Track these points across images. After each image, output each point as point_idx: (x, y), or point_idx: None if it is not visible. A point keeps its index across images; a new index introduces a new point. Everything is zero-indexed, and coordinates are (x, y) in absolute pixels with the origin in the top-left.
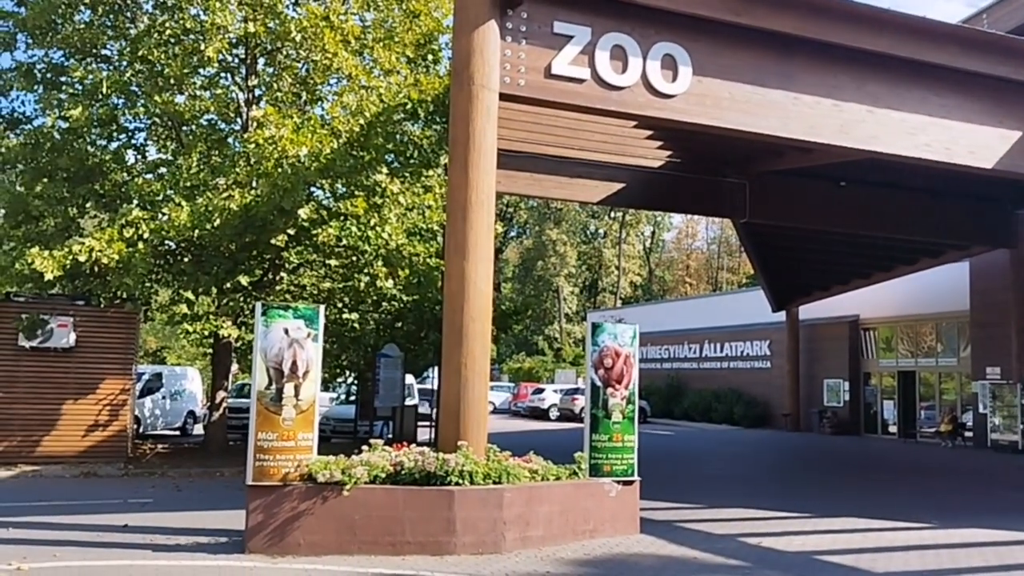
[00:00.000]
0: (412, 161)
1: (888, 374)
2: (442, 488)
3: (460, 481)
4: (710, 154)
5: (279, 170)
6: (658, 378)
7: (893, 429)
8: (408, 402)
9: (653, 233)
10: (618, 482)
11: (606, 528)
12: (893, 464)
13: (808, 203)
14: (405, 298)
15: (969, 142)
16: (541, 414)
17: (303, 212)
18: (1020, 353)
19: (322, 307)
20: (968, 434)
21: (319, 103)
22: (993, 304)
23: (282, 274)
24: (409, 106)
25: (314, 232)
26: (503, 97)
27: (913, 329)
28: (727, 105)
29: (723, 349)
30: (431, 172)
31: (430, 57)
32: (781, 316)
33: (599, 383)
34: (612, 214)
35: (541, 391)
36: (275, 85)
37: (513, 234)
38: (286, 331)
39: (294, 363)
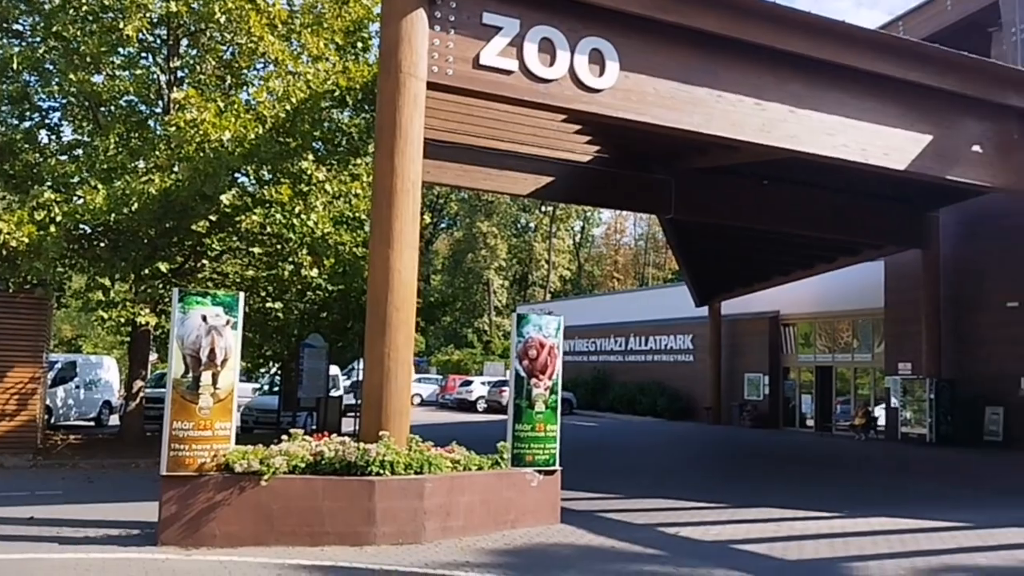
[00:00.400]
0: (340, 149)
1: (806, 369)
2: (363, 478)
3: (381, 471)
4: (638, 150)
5: (201, 154)
6: (585, 371)
7: (810, 422)
8: (333, 393)
9: (583, 228)
10: (540, 472)
11: (527, 518)
12: (808, 456)
13: (732, 201)
14: (331, 288)
15: (883, 144)
16: (469, 406)
17: (225, 198)
18: (930, 350)
19: (242, 294)
20: (880, 427)
21: (244, 87)
22: (906, 302)
23: (204, 261)
24: (337, 93)
25: (237, 219)
26: (431, 86)
27: (831, 325)
28: (652, 101)
29: (648, 343)
30: (359, 160)
31: (359, 44)
32: (704, 311)
33: (523, 373)
34: (543, 208)
35: (469, 383)
36: (198, 67)
37: (443, 226)
38: (204, 318)
39: (212, 351)
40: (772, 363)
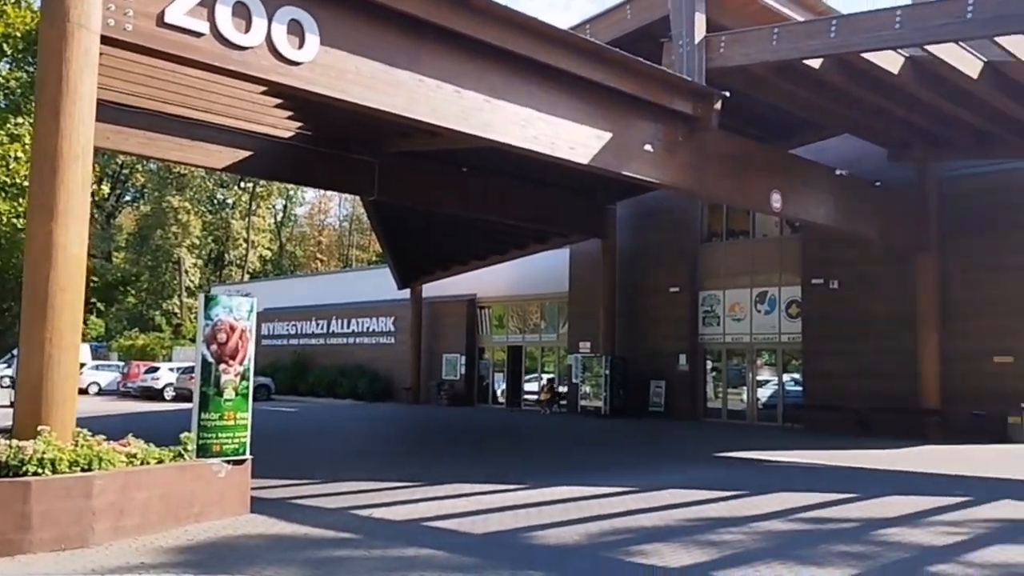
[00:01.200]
0: None
1: (500, 348)
2: (15, 479)
3: (40, 470)
4: (341, 129)
5: None
6: (285, 355)
7: (502, 399)
8: None
9: (285, 207)
10: (229, 462)
11: (214, 510)
12: (499, 431)
13: (433, 186)
14: None
15: (570, 138)
16: (155, 394)
17: None
18: (606, 330)
19: None
20: (563, 402)
21: None
22: (587, 287)
23: None
24: None
25: None
26: (107, 41)
27: (522, 308)
28: (353, 79)
29: (350, 325)
30: (21, 120)
31: None
32: (406, 293)
33: (211, 359)
34: (242, 184)
35: (155, 370)
36: None
37: (128, 198)
38: None
39: None
40: (469, 344)
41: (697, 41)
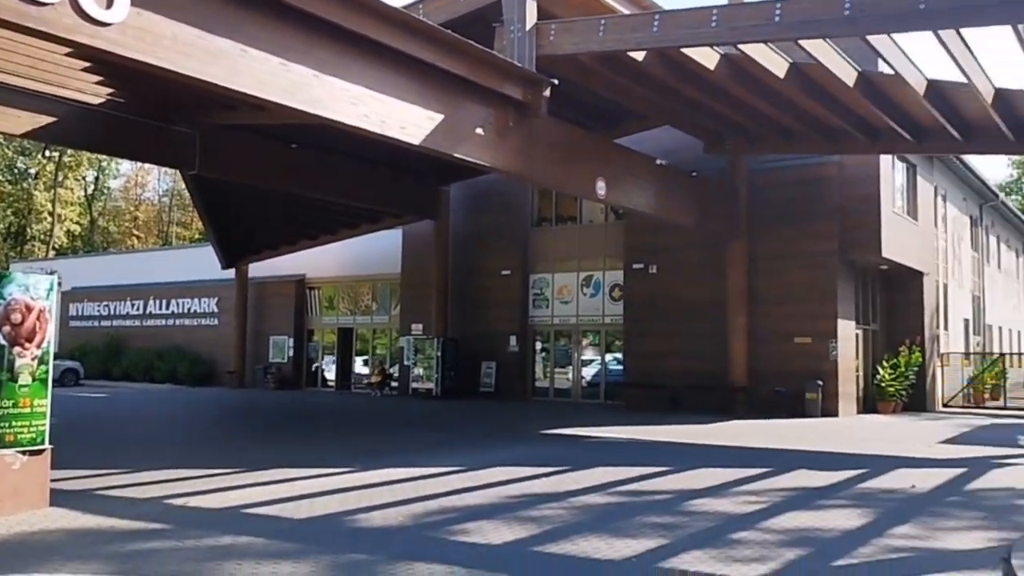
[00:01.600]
0: None
1: (330, 331)
2: None
3: None
4: (159, 98)
5: None
6: (96, 337)
7: (332, 382)
8: None
9: (97, 179)
10: (24, 452)
11: (7, 505)
12: (328, 415)
13: (260, 161)
14: None
15: (401, 118)
16: None
17: None
18: (439, 312)
19: None
20: (394, 384)
21: None
22: (419, 268)
23: None
24: None
25: None
26: None
27: (353, 289)
28: (169, 45)
29: (169, 306)
30: None
31: None
32: (231, 273)
33: (4, 342)
34: (47, 152)
35: None
36: None
37: None
38: None
39: None
40: (297, 326)
41: (528, 28)
